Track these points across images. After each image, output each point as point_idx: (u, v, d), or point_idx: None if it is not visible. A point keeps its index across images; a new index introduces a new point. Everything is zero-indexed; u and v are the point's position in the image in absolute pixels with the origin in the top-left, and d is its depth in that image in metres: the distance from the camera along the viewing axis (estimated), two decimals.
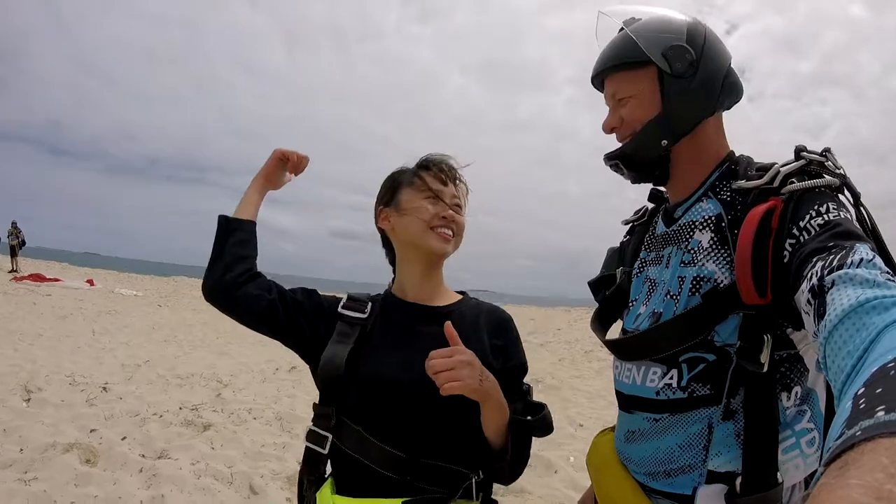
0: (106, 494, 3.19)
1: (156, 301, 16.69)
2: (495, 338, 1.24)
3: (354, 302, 1.24)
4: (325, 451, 1.15)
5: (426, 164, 1.25)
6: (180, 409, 5.16)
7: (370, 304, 1.25)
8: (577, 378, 8.43)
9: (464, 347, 1.07)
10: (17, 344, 7.61)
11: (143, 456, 3.86)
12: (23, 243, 20.64)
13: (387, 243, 1.33)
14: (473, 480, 1.12)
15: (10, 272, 19.30)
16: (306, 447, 1.19)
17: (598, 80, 1.17)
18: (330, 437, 1.15)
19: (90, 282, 19.30)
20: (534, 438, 1.17)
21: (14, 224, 19.97)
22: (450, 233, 1.21)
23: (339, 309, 1.23)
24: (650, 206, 1.31)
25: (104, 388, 5.63)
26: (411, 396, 1.12)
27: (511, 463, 1.11)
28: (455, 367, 1.01)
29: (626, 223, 1.38)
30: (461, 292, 1.34)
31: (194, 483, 3.45)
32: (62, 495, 3.12)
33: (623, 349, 1.15)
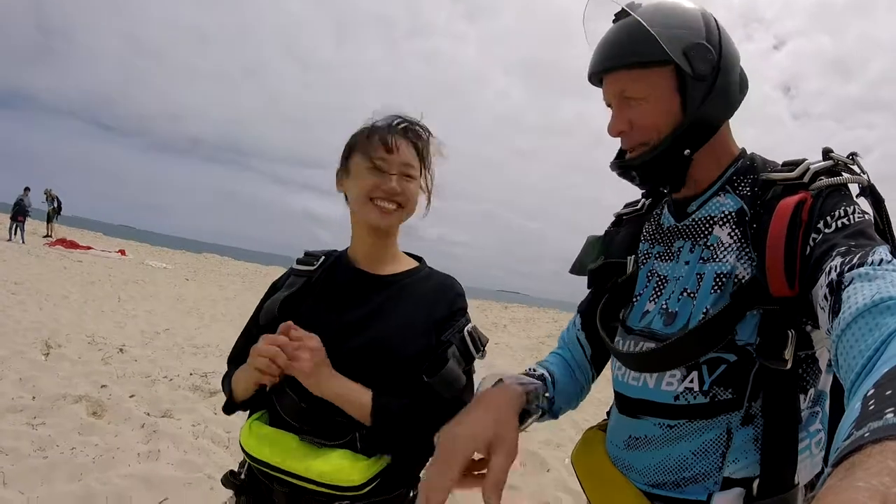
0: (106, 444, 3.34)
1: (184, 275, 17.04)
2: (436, 312, 1.22)
3: (308, 256, 1.27)
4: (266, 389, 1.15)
5: (373, 130, 1.20)
6: (191, 374, 5.34)
7: (322, 258, 1.27)
8: None
9: (311, 336, 1.09)
10: (43, 303, 7.92)
11: (148, 414, 4.02)
12: (59, 209, 21.27)
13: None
14: (357, 434, 1.10)
15: (44, 237, 19.95)
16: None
17: (598, 75, 1.05)
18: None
19: (122, 252, 19.81)
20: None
21: (48, 191, 20.50)
22: (391, 206, 1.17)
23: (294, 265, 1.27)
24: (645, 200, 1.23)
25: (121, 350, 5.86)
26: (335, 359, 1.11)
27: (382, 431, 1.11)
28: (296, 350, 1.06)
29: (618, 216, 1.28)
30: (418, 258, 1.34)
31: (191, 442, 3.59)
32: (65, 441, 3.28)
33: (646, 363, 1.02)
